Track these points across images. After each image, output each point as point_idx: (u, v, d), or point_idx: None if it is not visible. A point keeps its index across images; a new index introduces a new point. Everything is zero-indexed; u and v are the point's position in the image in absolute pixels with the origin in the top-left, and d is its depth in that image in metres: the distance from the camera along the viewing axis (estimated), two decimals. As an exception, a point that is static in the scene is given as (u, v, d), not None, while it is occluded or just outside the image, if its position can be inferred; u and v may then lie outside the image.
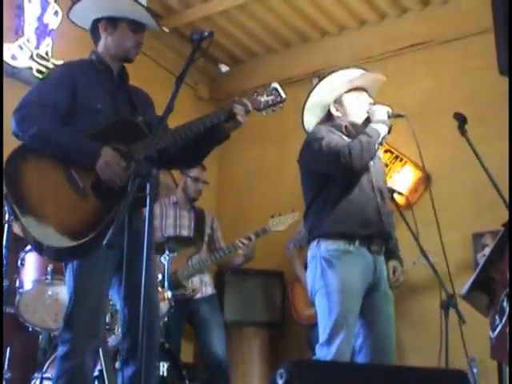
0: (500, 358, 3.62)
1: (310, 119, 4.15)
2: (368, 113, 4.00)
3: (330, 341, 3.65)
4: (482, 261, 4.61)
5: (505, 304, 3.57)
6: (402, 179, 6.71)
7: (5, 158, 3.16)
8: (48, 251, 3.15)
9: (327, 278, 3.73)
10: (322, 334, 3.72)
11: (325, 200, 3.87)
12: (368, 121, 3.98)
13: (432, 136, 6.59)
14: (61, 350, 3.16)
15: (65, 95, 3.29)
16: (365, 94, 4.12)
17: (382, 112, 3.96)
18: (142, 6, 3.42)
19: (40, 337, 4.56)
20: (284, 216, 5.66)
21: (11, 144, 3.26)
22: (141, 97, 3.59)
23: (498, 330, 3.60)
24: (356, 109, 4.05)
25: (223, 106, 3.44)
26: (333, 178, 3.87)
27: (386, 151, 6.86)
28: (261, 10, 7.15)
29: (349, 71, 4.18)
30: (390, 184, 6.38)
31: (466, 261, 6.25)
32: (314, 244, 3.86)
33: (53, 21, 6.08)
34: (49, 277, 4.48)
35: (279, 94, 3.48)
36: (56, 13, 6.10)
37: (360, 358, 3.83)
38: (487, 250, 5.87)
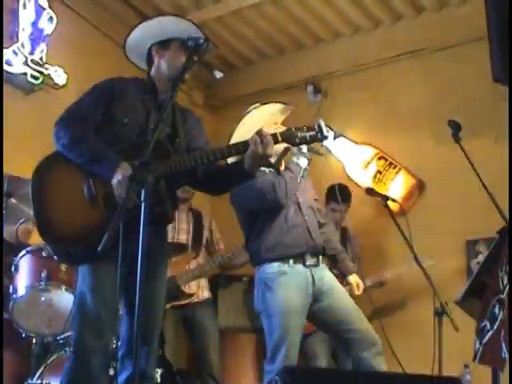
0: (492, 364, 3.63)
1: None
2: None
3: (273, 358, 3.99)
4: (476, 267, 4.63)
5: (496, 310, 3.57)
6: (396, 186, 6.72)
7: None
8: (53, 252, 3.34)
9: (267, 302, 4.09)
10: (267, 351, 4.07)
11: (257, 230, 4.22)
12: (286, 151, 4.09)
13: (425, 143, 6.62)
14: (70, 351, 3.32)
15: (99, 107, 3.36)
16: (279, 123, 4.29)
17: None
18: (193, 23, 3.43)
19: (33, 343, 4.54)
20: None
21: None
22: (188, 120, 3.62)
23: (488, 335, 3.61)
24: None
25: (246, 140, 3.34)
26: (262, 211, 4.20)
27: (379, 158, 6.89)
28: (255, 16, 7.16)
29: (270, 106, 4.28)
30: (383, 191, 6.41)
31: (459, 268, 6.26)
32: (256, 268, 4.24)
33: (47, 26, 6.08)
34: (42, 283, 4.47)
35: (321, 132, 3.28)
36: (51, 18, 6.10)
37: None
38: (481, 257, 5.89)
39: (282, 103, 4.26)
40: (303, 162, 4.17)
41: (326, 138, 3.34)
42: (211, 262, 5.64)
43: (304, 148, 4.15)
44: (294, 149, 4.12)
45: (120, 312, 3.44)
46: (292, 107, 4.30)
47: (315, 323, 4.26)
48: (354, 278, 4.80)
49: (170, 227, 5.59)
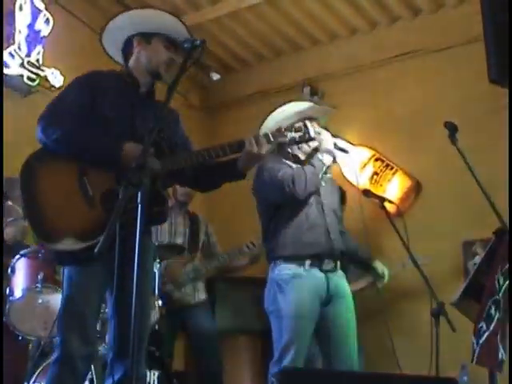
0: (488, 365, 3.63)
1: None
2: (316, 140, 4.14)
3: (280, 360, 3.90)
4: (472, 269, 4.63)
5: (492, 311, 3.58)
6: (393, 188, 6.72)
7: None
8: (50, 252, 3.25)
9: (279, 303, 4.02)
10: (275, 351, 3.98)
11: (275, 225, 4.16)
12: (316, 149, 4.20)
13: (422, 145, 6.63)
14: (54, 354, 3.20)
15: (85, 102, 3.29)
16: (314, 123, 4.20)
17: (329, 142, 4.16)
18: (183, 24, 3.45)
19: (30, 345, 4.53)
20: None
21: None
22: (169, 115, 3.56)
23: (485, 336, 3.61)
24: None
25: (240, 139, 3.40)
26: (281, 204, 4.14)
27: (376, 160, 6.89)
28: (252, 18, 7.17)
29: (300, 103, 4.31)
30: (380, 193, 6.41)
31: (456, 269, 6.27)
32: (271, 266, 4.15)
33: (44, 28, 6.08)
34: (39, 285, 4.46)
35: (307, 132, 3.39)
36: (47, 20, 6.10)
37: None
38: (478, 258, 5.89)
39: (314, 103, 4.29)
40: (327, 159, 4.13)
41: (312, 138, 3.42)
42: (208, 264, 5.64)
43: (330, 145, 4.13)
44: (321, 145, 4.13)
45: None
46: (329, 110, 4.32)
47: None
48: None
49: (166, 230, 5.64)
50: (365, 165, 6.92)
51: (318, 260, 4.07)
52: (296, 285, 4.01)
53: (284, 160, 4.25)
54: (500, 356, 3.39)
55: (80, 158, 3.18)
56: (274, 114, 4.21)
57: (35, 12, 6.05)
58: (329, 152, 4.13)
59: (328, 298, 4.08)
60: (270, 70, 7.91)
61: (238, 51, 7.86)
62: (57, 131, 3.18)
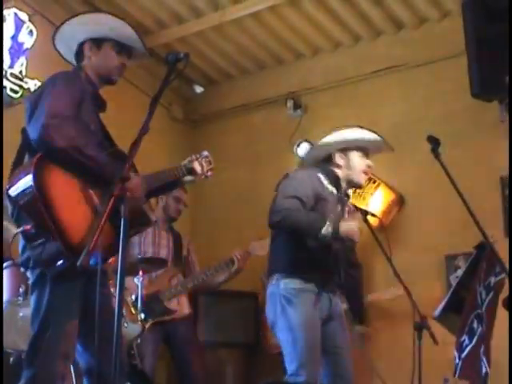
0: (470, 378, 3.64)
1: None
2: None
3: (298, 372, 3.82)
4: (454, 283, 4.64)
5: (474, 325, 3.59)
6: (376, 201, 6.72)
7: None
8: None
9: (288, 315, 3.94)
10: (290, 365, 3.88)
11: (287, 240, 4.10)
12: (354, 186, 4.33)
13: (405, 158, 6.64)
14: (27, 373, 3.05)
15: (77, 103, 3.19)
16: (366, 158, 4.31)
17: (350, 226, 4.04)
18: (131, 28, 3.42)
19: (11, 359, 4.50)
20: (264, 240, 5.65)
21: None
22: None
23: (467, 350, 3.62)
24: (359, 168, 4.24)
25: (184, 164, 3.66)
26: None
27: (359, 173, 6.88)
28: (236, 31, 7.18)
29: (365, 132, 4.34)
30: (363, 206, 6.41)
31: (438, 282, 6.28)
32: (272, 280, 4.07)
33: (27, 40, 6.05)
34: (21, 298, 4.43)
35: (210, 163, 3.80)
36: (30, 32, 6.08)
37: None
38: (460, 272, 5.91)
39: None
40: (328, 231, 3.93)
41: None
42: (195, 280, 5.60)
43: (349, 228, 4.03)
44: (341, 227, 4.00)
45: None
46: (388, 149, 4.43)
47: None
48: None
49: (150, 242, 5.63)
50: (348, 178, 6.92)
51: (323, 283, 4.05)
52: (305, 297, 3.96)
53: (323, 178, 4.19)
54: (483, 369, 3.40)
55: (85, 174, 3.08)
56: (340, 131, 4.27)
57: (18, 24, 6.02)
58: (345, 231, 3.98)
59: (328, 317, 4.08)
60: (253, 83, 7.92)
61: (221, 64, 7.86)
62: (65, 140, 3.02)
